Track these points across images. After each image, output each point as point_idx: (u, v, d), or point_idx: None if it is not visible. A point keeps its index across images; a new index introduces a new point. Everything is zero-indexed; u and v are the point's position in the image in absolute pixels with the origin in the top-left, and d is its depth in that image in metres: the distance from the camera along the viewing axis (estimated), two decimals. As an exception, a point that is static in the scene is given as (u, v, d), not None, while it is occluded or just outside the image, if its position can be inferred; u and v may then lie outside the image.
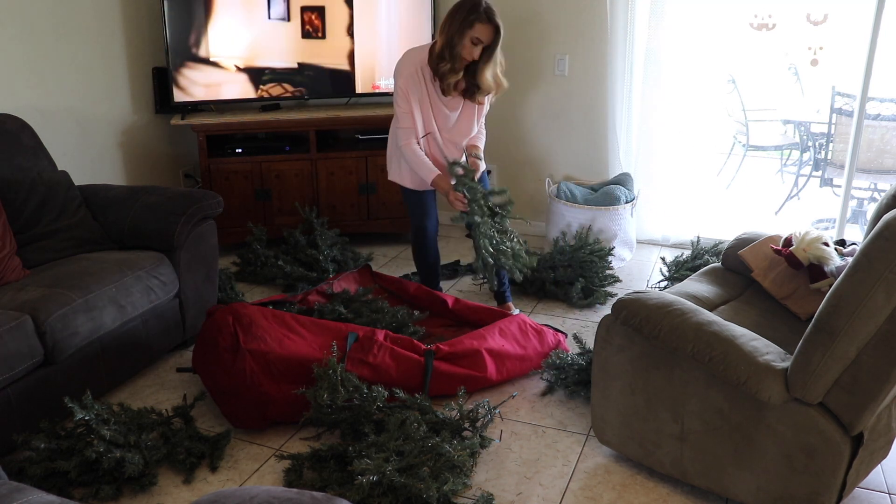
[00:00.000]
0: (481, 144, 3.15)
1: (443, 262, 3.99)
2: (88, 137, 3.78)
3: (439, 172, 2.99)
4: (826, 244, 2.42)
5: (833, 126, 4.70)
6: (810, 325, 1.88)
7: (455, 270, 3.88)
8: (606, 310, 3.08)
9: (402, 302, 3.27)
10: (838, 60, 6.20)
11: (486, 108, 3.12)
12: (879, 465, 2.35)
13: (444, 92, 2.95)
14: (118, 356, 2.73)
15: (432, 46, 2.92)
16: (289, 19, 4.04)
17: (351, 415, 2.41)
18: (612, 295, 3.53)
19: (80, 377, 2.57)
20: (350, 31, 4.09)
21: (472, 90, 2.98)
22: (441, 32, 2.85)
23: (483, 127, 3.17)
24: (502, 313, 3.08)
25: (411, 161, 2.99)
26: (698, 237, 3.82)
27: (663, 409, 2.16)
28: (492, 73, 2.93)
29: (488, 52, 2.86)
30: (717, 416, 2.05)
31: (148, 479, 2.26)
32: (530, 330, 2.93)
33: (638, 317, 2.14)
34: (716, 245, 3.70)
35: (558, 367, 2.77)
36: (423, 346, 2.70)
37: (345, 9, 4.05)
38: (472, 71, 2.92)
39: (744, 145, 5.41)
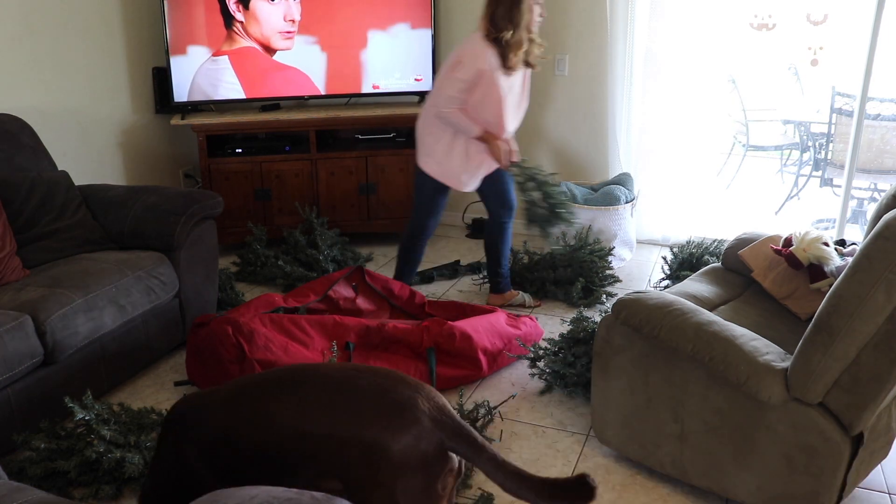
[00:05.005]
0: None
1: (443, 262, 3.99)
2: (88, 137, 3.78)
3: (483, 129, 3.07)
4: (826, 244, 2.42)
5: (833, 126, 4.69)
6: (810, 325, 1.88)
7: (455, 270, 3.87)
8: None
9: (384, 301, 3.28)
10: (838, 60, 6.19)
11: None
12: (879, 465, 2.35)
13: (514, 67, 3.00)
14: (118, 356, 2.73)
15: (493, 40, 2.93)
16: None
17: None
18: (612, 295, 3.52)
19: (80, 377, 2.57)
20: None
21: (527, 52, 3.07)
22: (506, 21, 2.88)
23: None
24: (478, 308, 3.13)
25: (458, 122, 2.99)
26: (699, 237, 3.81)
27: (663, 409, 2.16)
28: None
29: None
30: (717, 416, 2.05)
31: (148, 479, 2.26)
32: (506, 326, 2.99)
33: (638, 317, 2.14)
34: (716, 245, 3.69)
35: (535, 359, 2.82)
36: (423, 347, 2.72)
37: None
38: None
39: (744, 145, 5.40)
